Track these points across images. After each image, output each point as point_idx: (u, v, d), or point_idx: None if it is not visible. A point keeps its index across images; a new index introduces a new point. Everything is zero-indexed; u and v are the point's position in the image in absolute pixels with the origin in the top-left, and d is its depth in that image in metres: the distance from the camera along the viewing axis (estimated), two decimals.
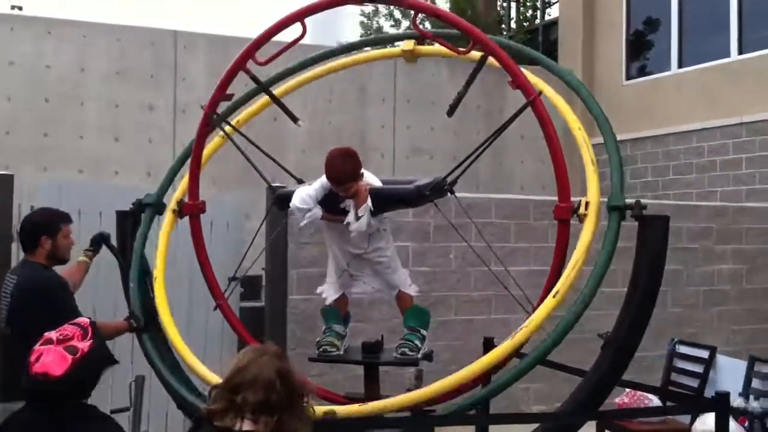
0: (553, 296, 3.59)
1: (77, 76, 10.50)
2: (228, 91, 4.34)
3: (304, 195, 4.29)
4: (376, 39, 5.46)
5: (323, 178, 4.29)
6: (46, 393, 2.61)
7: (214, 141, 5.10)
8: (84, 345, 2.68)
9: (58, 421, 2.62)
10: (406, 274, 4.70)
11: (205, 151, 4.91)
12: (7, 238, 6.00)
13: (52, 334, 2.71)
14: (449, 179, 4.35)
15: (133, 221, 4.90)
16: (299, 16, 4.06)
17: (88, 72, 10.55)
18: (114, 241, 5.02)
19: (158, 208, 4.91)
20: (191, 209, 4.74)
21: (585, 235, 3.78)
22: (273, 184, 5.22)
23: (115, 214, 4.96)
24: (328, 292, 4.60)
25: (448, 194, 4.38)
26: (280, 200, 4.61)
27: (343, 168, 4.16)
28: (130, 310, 4.62)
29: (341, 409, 3.59)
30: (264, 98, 5.09)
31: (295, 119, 4.82)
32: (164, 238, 4.70)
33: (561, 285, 3.63)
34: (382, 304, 6.50)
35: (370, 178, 4.39)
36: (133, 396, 4.39)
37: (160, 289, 4.40)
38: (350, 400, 4.60)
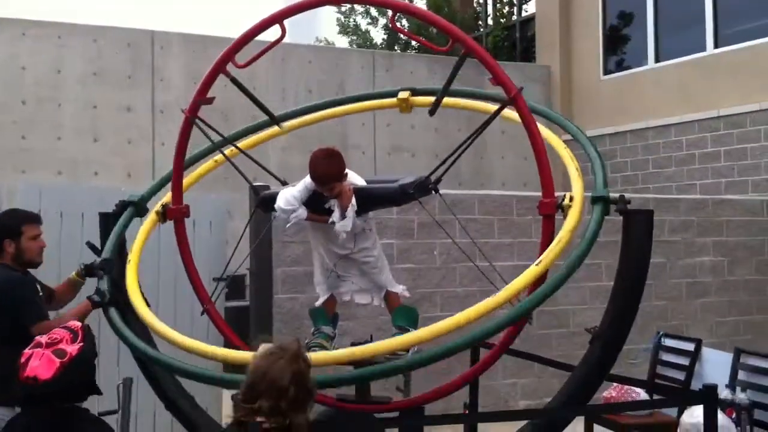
0: (536, 264, 3.56)
1: (54, 78, 10.41)
2: (208, 95, 4.30)
3: (289, 196, 4.28)
4: (376, 94, 5.44)
5: (307, 179, 4.28)
6: (35, 396, 2.59)
7: (206, 164, 5.07)
8: (72, 348, 2.67)
9: (52, 425, 2.60)
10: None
11: (199, 170, 5.01)
12: None
13: (42, 338, 2.69)
14: (433, 177, 4.34)
15: (116, 223, 4.85)
16: (278, 17, 4.01)
17: (64, 73, 10.47)
18: (97, 243, 4.96)
19: (139, 209, 4.85)
20: (175, 213, 4.67)
21: (570, 219, 3.79)
22: (255, 184, 5.19)
23: (98, 216, 4.90)
24: (319, 294, 4.58)
25: (433, 192, 4.38)
26: (264, 202, 4.58)
27: (327, 168, 4.16)
28: (96, 288, 4.49)
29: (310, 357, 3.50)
30: (274, 129, 5.06)
31: (276, 121, 4.79)
32: (143, 234, 4.63)
33: (545, 256, 3.60)
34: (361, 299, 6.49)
35: (354, 178, 4.38)
36: (121, 398, 4.34)
37: (132, 275, 4.29)
38: (341, 401, 4.58)
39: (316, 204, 4.27)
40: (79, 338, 2.72)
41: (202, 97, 4.24)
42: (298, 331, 6.80)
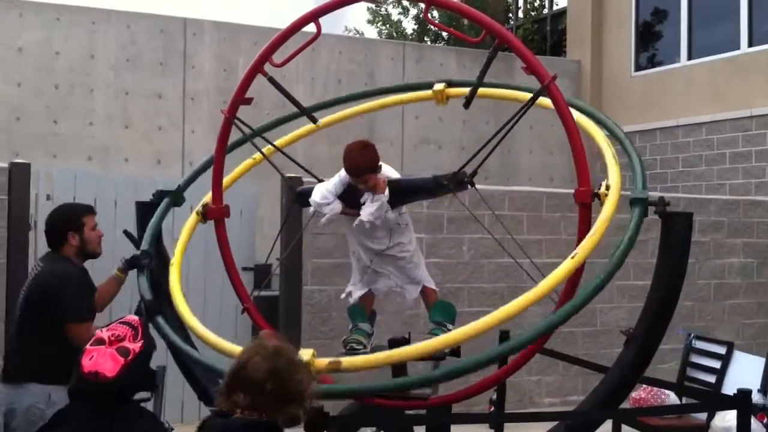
0: (572, 258, 3.52)
1: (87, 63, 10.47)
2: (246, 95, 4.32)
3: (324, 190, 4.30)
4: (408, 86, 5.42)
5: (342, 173, 4.29)
6: (96, 393, 2.62)
7: (245, 163, 5.07)
8: (135, 346, 2.69)
9: (105, 418, 2.62)
10: None
11: (238, 169, 5.02)
12: (26, 227, 5.99)
13: (104, 334, 2.71)
14: (468, 170, 4.34)
15: (153, 213, 4.88)
16: (313, 16, 4.01)
17: (97, 59, 10.53)
18: (132, 231, 5.00)
19: (176, 199, 4.88)
20: (215, 214, 4.65)
21: (607, 209, 3.74)
22: (288, 175, 5.22)
23: (135, 205, 4.94)
24: (354, 291, 4.57)
25: (468, 186, 4.37)
26: (300, 197, 4.59)
27: (361, 160, 4.16)
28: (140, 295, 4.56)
29: (346, 361, 3.49)
30: (309, 125, 5.07)
31: (314, 120, 4.78)
32: (186, 234, 4.66)
33: (580, 248, 3.57)
34: (396, 295, 6.51)
35: (389, 171, 4.39)
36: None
37: (175, 280, 4.34)
38: (383, 397, 4.54)
39: (350, 198, 4.28)
40: (140, 335, 2.74)
41: (240, 98, 4.22)
42: (327, 323, 6.84)
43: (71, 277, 4.49)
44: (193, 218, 4.71)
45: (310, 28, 4.08)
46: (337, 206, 4.28)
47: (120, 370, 2.62)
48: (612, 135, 4.25)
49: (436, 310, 4.50)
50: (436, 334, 4.26)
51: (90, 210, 4.73)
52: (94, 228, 4.67)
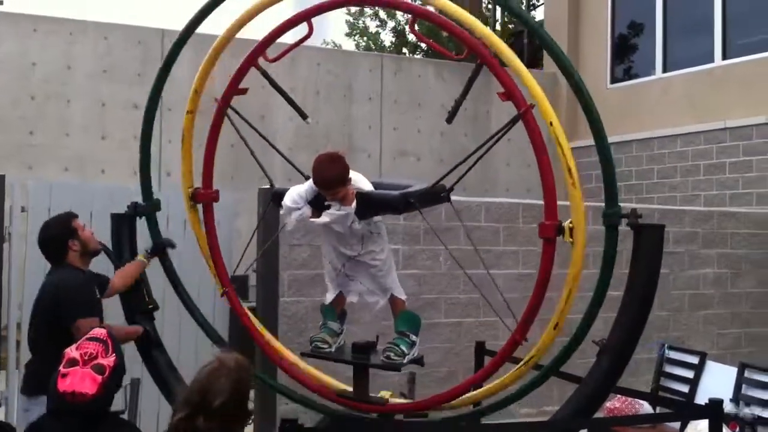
0: (554, 328, 3.71)
1: (63, 74, 10.43)
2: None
3: (295, 195, 4.33)
4: None
5: (305, 185, 4.33)
6: (77, 412, 2.60)
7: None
8: (109, 361, 2.68)
9: (86, 429, 2.62)
10: None
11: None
12: (0, 238, 5.95)
13: (75, 353, 2.69)
14: (446, 186, 4.37)
15: (129, 224, 4.91)
16: (307, 15, 4.14)
17: (74, 70, 10.49)
18: (108, 243, 5.01)
19: (154, 209, 4.97)
20: (205, 197, 4.82)
21: (575, 259, 3.82)
22: (264, 187, 5.27)
23: (110, 217, 4.94)
24: (328, 295, 4.63)
25: (445, 201, 4.41)
26: (277, 197, 4.63)
27: (329, 173, 4.16)
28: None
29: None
30: None
31: (304, 116, 4.83)
32: (198, 228, 4.87)
33: (558, 318, 3.89)
34: (365, 302, 6.53)
35: (361, 182, 4.39)
36: (128, 398, 4.38)
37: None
38: (342, 397, 4.63)
39: (321, 204, 4.29)
40: (111, 348, 2.73)
41: (234, 88, 4.39)
42: (303, 334, 6.82)
43: (75, 279, 4.61)
44: (192, 211, 4.90)
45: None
46: (307, 211, 4.31)
47: (99, 388, 2.61)
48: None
49: (401, 320, 4.53)
50: (397, 345, 4.31)
51: (73, 215, 4.86)
52: (84, 228, 4.81)
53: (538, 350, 3.66)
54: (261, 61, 4.44)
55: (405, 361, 4.36)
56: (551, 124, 3.83)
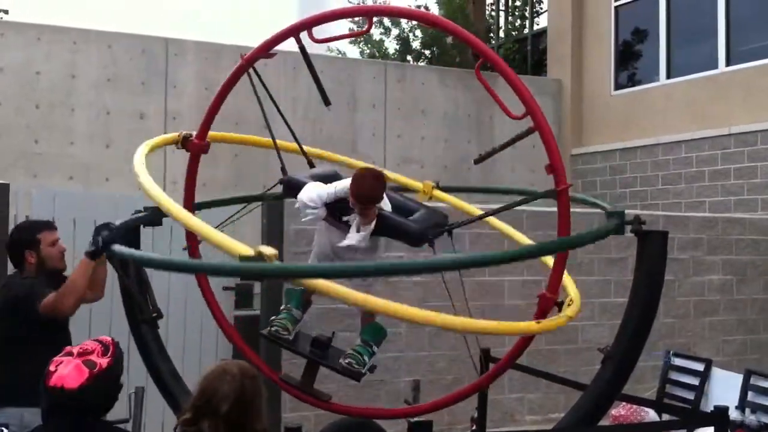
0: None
1: (68, 83, 10.46)
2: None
3: (314, 195, 4.23)
4: None
5: (341, 186, 4.23)
6: (62, 405, 2.61)
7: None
8: (102, 361, 2.69)
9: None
10: None
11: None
12: (3, 248, 5.96)
13: (73, 348, 2.72)
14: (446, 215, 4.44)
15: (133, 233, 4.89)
16: (367, 12, 4.20)
17: (78, 79, 10.52)
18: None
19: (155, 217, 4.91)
20: (196, 148, 4.59)
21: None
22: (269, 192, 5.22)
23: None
24: None
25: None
26: (288, 186, 4.52)
27: (375, 191, 4.12)
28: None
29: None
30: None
31: (327, 101, 4.77)
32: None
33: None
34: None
35: (383, 201, 4.38)
36: (132, 407, 4.38)
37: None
38: (285, 382, 4.65)
39: (336, 210, 4.24)
40: (110, 352, 2.74)
41: (265, 52, 4.19)
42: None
43: (16, 280, 4.53)
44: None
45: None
46: (322, 213, 4.25)
47: (84, 381, 2.60)
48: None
49: (368, 329, 4.53)
50: (359, 353, 4.34)
51: (46, 225, 4.72)
52: (54, 243, 4.64)
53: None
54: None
55: (364, 371, 4.36)
56: None
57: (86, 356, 2.68)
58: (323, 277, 2.93)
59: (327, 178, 4.43)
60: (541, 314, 4.06)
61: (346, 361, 4.34)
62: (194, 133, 4.59)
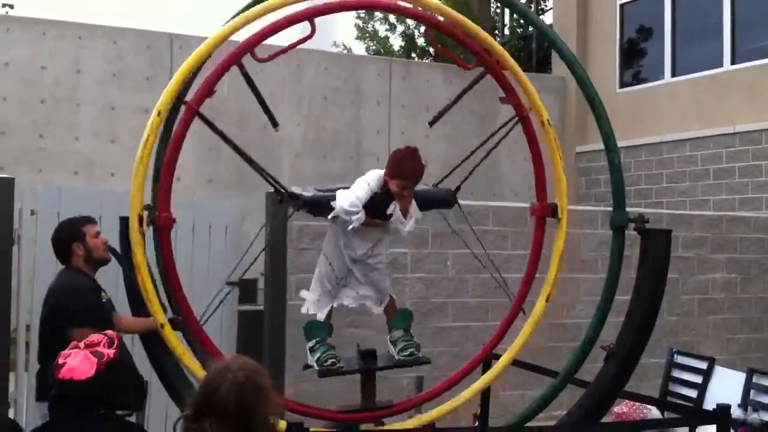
0: (546, 300, 4.23)
1: (73, 78, 10.48)
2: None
3: (353, 198, 4.11)
4: None
5: (373, 179, 4.20)
6: (72, 397, 2.62)
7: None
8: (109, 351, 2.72)
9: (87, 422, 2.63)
10: None
11: None
12: (9, 241, 5.98)
13: (80, 343, 2.74)
14: (452, 186, 4.50)
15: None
16: (309, 15, 3.84)
17: (83, 74, 10.53)
18: (118, 247, 5.01)
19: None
20: (164, 222, 3.94)
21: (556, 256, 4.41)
22: (271, 190, 5.13)
23: (119, 221, 4.94)
24: (317, 306, 4.43)
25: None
26: (312, 205, 4.29)
27: (421, 166, 4.19)
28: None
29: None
30: None
31: (275, 123, 4.37)
32: (142, 258, 3.90)
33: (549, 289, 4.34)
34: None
35: None
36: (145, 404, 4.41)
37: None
38: (344, 412, 4.48)
39: (371, 207, 4.18)
40: (115, 345, 2.77)
41: (210, 89, 3.86)
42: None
43: (74, 286, 4.66)
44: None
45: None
46: (363, 216, 4.13)
47: (94, 371, 2.63)
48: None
49: (401, 317, 4.53)
50: (412, 340, 4.40)
51: (89, 220, 4.92)
52: (97, 235, 4.84)
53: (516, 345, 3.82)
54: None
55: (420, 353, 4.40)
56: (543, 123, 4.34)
57: (93, 348, 2.70)
58: None
59: (331, 190, 4.30)
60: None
61: (407, 352, 4.34)
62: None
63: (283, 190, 4.40)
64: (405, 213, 4.19)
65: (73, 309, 4.53)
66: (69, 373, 2.62)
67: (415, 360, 4.34)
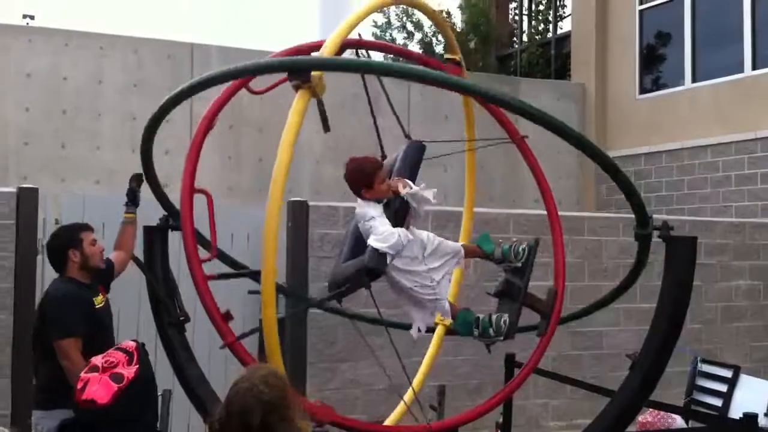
0: None
1: (94, 88, 10.56)
2: None
3: (388, 234, 4.03)
4: None
5: (371, 215, 4.17)
6: (94, 422, 2.61)
7: None
8: (129, 371, 2.66)
9: None
10: None
11: None
12: (34, 251, 6.02)
13: (98, 361, 2.70)
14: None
15: (161, 236, 4.93)
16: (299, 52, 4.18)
17: (105, 84, 10.62)
18: (140, 256, 5.04)
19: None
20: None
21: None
22: (292, 199, 5.18)
23: (143, 230, 4.97)
24: (427, 321, 4.40)
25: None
26: (370, 274, 4.15)
27: (365, 158, 4.37)
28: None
29: None
30: None
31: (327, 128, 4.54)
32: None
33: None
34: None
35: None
36: (159, 410, 4.39)
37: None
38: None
39: (392, 218, 4.19)
40: (135, 360, 2.72)
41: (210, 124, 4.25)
42: (333, 346, 6.84)
43: (60, 294, 4.62)
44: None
45: None
46: (401, 232, 4.09)
47: (112, 396, 2.59)
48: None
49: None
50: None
51: (86, 227, 4.87)
52: (94, 243, 4.79)
53: None
54: None
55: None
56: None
57: (112, 369, 2.66)
58: None
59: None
60: None
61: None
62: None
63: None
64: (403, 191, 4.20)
65: (56, 320, 4.48)
66: (90, 395, 2.60)
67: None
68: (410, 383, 4.76)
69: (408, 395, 4.96)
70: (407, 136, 4.76)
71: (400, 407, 4.94)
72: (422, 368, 5.43)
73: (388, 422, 4.74)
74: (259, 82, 4.40)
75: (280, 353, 3.66)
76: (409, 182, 4.28)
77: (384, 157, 4.79)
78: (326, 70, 3.73)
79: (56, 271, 4.79)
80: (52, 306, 4.58)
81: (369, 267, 4.03)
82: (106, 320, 4.81)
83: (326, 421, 3.94)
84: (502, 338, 4.24)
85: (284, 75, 4.06)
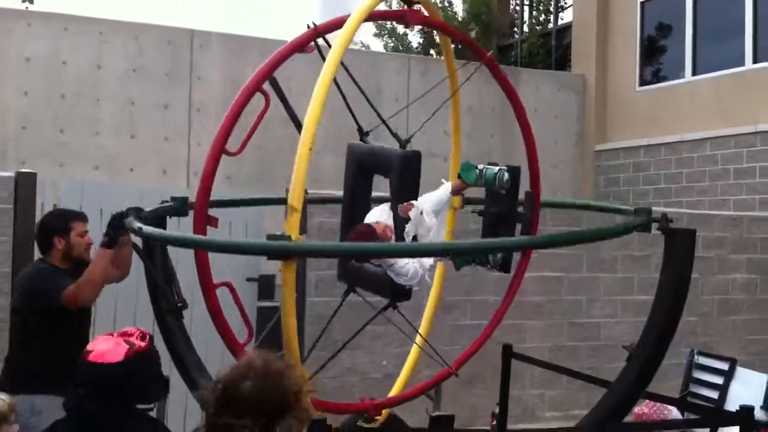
0: None
1: (94, 74, 10.53)
2: None
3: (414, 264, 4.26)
4: None
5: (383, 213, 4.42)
6: (101, 380, 2.63)
7: None
8: (141, 344, 2.74)
9: (113, 420, 2.64)
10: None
11: None
12: (31, 236, 6.02)
13: (113, 332, 2.78)
14: None
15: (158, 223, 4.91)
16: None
17: (104, 69, 10.59)
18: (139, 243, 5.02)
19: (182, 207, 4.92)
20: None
21: None
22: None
23: None
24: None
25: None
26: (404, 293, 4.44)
27: (364, 227, 4.39)
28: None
29: None
30: None
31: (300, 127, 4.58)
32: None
33: None
34: None
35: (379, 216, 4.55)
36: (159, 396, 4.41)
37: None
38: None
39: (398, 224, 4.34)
40: (147, 339, 2.79)
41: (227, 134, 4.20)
42: (330, 334, 6.82)
43: (34, 270, 4.59)
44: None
45: None
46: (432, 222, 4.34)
47: (124, 356, 2.65)
48: None
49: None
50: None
51: (79, 216, 4.78)
52: (83, 235, 4.70)
53: None
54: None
55: None
56: None
57: (126, 337, 2.74)
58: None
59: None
60: None
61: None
62: None
63: None
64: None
65: (36, 289, 4.42)
66: (99, 357, 2.64)
67: None
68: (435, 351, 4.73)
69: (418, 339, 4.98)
70: (399, 142, 4.70)
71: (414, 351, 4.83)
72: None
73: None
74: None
75: (300, 358, 3.69)
76: (414, 203, 4.36)
77: (366, 134, 4.85)
78: None
79: (41, 253, 4.70)
80: (42, 278, 4.48)
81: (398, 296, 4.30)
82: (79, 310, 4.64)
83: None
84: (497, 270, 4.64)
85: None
